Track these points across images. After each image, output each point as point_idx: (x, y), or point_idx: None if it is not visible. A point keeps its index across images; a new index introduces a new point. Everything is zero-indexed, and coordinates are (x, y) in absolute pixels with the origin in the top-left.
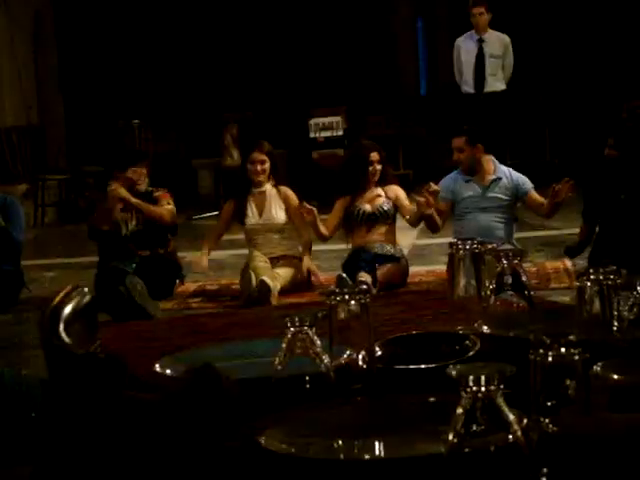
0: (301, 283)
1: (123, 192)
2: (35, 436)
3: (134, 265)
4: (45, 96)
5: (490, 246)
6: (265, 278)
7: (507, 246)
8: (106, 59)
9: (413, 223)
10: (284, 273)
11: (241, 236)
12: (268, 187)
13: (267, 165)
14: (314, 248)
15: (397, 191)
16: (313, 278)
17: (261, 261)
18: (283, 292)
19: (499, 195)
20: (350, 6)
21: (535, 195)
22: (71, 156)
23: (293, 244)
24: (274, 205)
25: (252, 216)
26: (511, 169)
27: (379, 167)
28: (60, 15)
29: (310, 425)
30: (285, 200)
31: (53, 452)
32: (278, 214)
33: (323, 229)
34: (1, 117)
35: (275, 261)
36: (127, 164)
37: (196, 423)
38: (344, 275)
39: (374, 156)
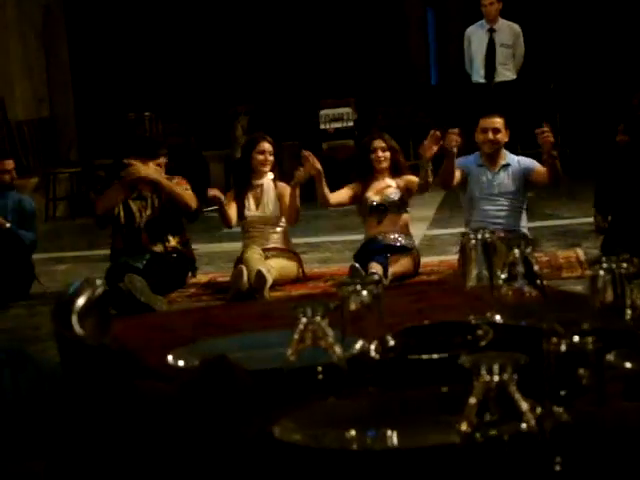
0: (292, 276)
1: (148, 170)
2: (49, 426)
3: (144, 261)
4: (56, 89)
5: (502, 235)
6: (262, 268)
7: (518, 235)
8: (116, 52)
9: (423, 180)
10: (276, 265)
11: None
12: (266, 180)
13: (273, 157)
14: (325, 239)
15: (409, 178)
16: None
17: (255, 253)
18: (273, 285)
19: (507, 181)
20: None
21: (540, 168)
22: (82, 149)
23: (287, 238)
24: (271, 198)
25: (249, 209)
26: (520, 157)
27: (384, 155)
28: (70, 9)
29: (323, 416)
30: (280, 197)
31: (67, 446)
32: (275, 207)
33: (327, 192)
34: (12, 110)
35: (267, 252)
36: (152, 154)
37: (210, 414)
38: (357, 265)
39: (377, 143)
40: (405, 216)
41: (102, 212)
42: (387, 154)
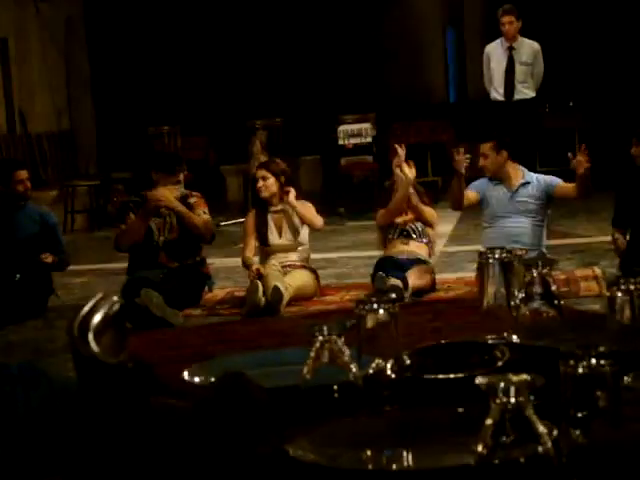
0: (309, 293)
1: (170, 198)
2: (64, 443)
3: (161, 275)
4: (76, 102)
5: (519, 254)
6: (278, 284)
7: (537, 255)
8: (137, 65)
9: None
10: (294, 282)
11: None
12: (284, 205)
13: (270, 182)
14: (342, 255)
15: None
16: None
17: (274, 268)
18: (289, 301)
19: (527, 199)
20: (380, 13)
21: (563, 184)
22: (101, 163)
23: (307, 256)
24: (293, 223)
25: (272, 236)
26: (539, 174)
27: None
28: (91, 21)
29: (338, 435)
30: (302, 216)
31: (82, 463)
32: (300, 233)
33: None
34: (32, 123)
35: (286, 268)
36: (172, 170)
37: (225, 431)
38: (383, 274)
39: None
40: (428, 245)
41: (125, 246)
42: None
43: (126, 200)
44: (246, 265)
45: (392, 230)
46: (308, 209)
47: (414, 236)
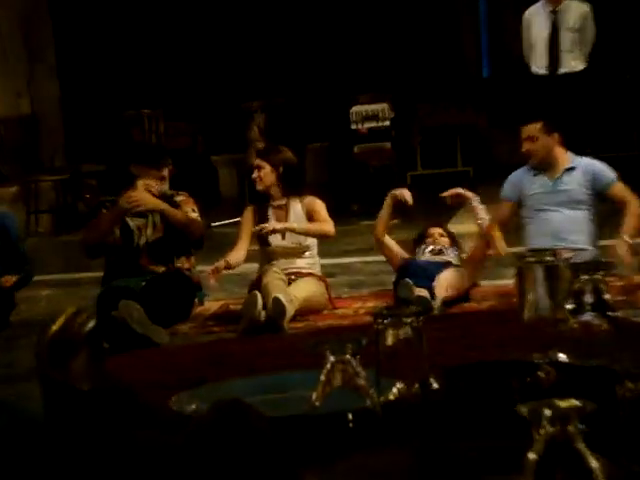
0: (318, 306)
1: (148, 199)
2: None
3: (143, 282)
4: (38, 81)
5: (567, 256)
6: (280, 296)
7: (587, 255)
8: (111, 38)
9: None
10: (300, 293)
11: None
12: (287, 199)
13: (266, 171)
14: (356, 260)
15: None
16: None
17: (277, 277)
18: (295, 315)
19: (572, 187)
20: None
21: (616, 190)
22: (69, 153)
23: (315, 261)
24: (297, 216)
25: (274, 236)
26: (592, 160)
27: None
28: None
29: (354, 472)
30: (310, 214)
31: None
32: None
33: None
34: None
35: (291, 276)
36: (155, 164)
37: (221, 469)
38: (409, 281)
39: (434, 230)
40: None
41: (92, 243)
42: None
43: (102, 200)
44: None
45: (419, 247)
46: (315, 222)
47: (445, 251)
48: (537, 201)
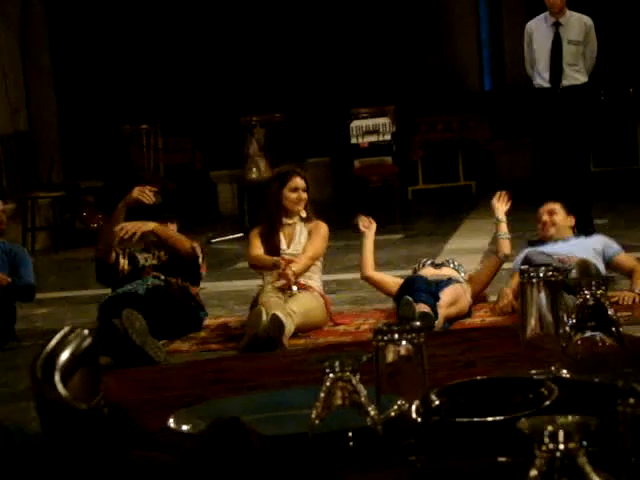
0: (318, 320)
1: (141, 225)
2: None
3: (147, 285)
4: (35, 98)
5: (568, 269)
6: (278, 313)
7: (591, 271)
8: (109, 54)
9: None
10: (299, 307)
11: None
12: (297, 220)
13: (305, 194)
14: (357, 275)
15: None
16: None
17: (273, 296)
18: (295, 332)
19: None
20: None
21: (624, 257)
22: (67, 169)
23: (318, 277)
24: (302, 240)
25: (282, 248)
26: (596, 237)
27: None
28: (53, 3)
29: None
30: (312, 235)
31: None
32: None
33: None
34: None
35: (289, 291)
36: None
37: None
38: (410, 298)
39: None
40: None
41: (102, 253)
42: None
43: (101, 224)
44: (257, 265)
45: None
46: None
47: (447, 264)
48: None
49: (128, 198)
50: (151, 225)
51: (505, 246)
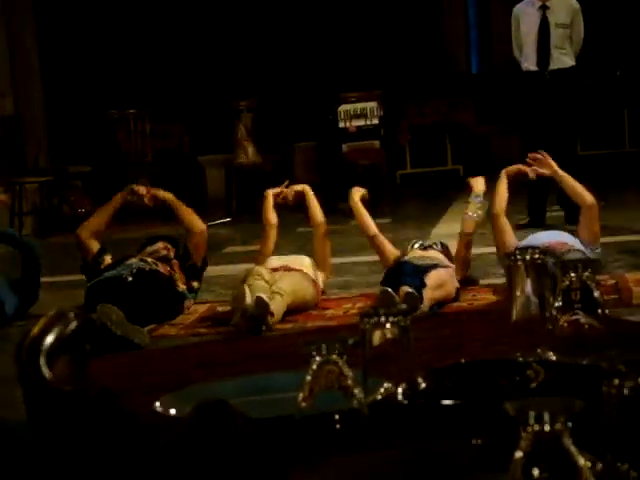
0: (308, 298)
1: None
2: None
3: (131, 271)
4: (22, 82)
5: (555, 253)
6: (262, 295)
7: (577, 254)
8: (96, 38)
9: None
10: (288, 285)
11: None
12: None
13: None
14: (345, 260)
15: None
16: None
17: (259, 279)
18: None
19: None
20: None
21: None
22: (54, 154)
23: (310, 263)
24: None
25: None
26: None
27: None
28: None
29: (340, 474)
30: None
31: None
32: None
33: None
34: None
35: (276, 271)
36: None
37: (204, 472)
38: (389, 290)
39: None
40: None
41: (85, 238)
42: None
43: (89, 209)
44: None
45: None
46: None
47: (436, 247)
48: None
49: (129, 197)
50: (169, 194)
51: (467, 225)
